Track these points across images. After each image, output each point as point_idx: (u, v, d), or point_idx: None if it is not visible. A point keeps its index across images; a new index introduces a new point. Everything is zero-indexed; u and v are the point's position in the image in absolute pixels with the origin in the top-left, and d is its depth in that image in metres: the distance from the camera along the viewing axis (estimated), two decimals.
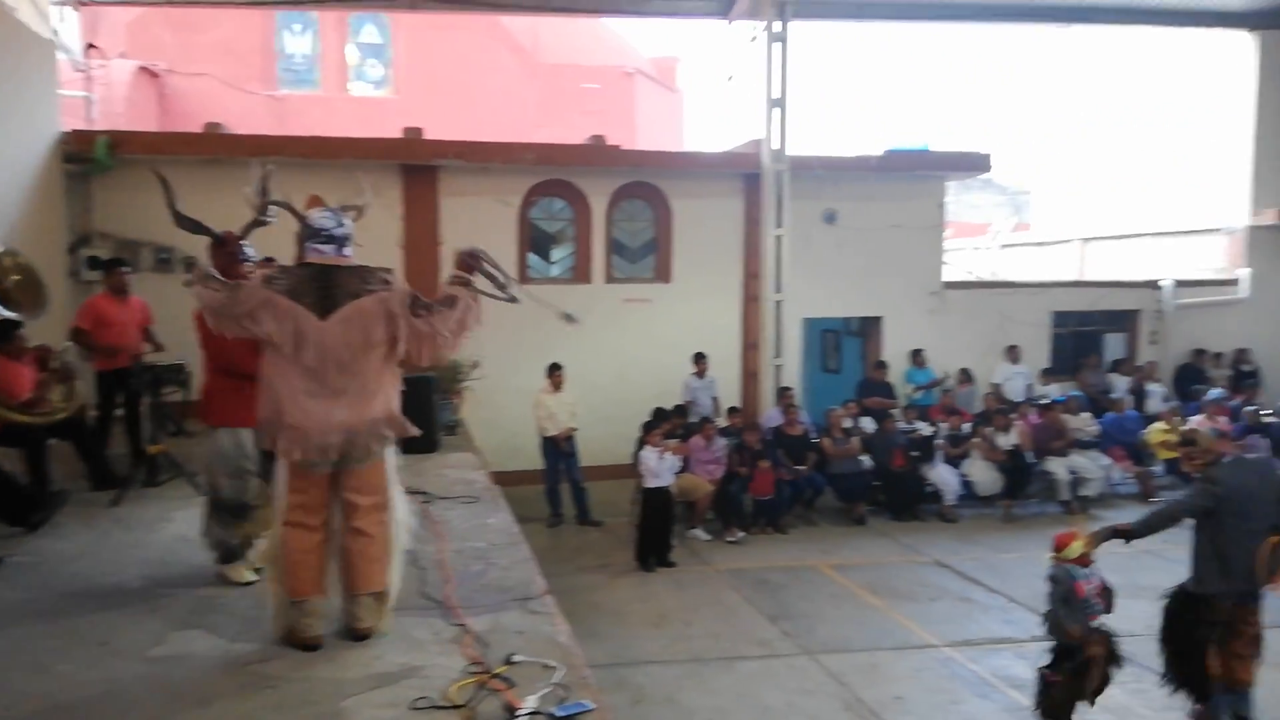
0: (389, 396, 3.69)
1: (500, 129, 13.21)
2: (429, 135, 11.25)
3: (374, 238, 8.70)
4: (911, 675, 6.03)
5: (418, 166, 10.92)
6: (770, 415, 10.96)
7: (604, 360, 11.44)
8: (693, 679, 5.98)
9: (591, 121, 14.21)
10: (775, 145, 11.34)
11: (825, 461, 10.10)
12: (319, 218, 3.70)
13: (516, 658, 3.45)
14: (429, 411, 6.91)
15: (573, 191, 11.70)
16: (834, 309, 12.64)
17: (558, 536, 9.41)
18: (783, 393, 10.99)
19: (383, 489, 3.71)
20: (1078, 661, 5.22)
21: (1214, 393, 11.92)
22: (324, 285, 3.58)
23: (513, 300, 3.80)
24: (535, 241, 11.88)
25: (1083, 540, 5.26)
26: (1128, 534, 5.15)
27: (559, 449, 9.73)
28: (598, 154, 11.71)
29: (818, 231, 12.09)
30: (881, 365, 11.96)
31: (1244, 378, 12.82)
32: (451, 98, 15.34)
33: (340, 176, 10.63)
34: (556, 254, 12.06)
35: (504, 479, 8.31)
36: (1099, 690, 5.26)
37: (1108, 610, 5.29)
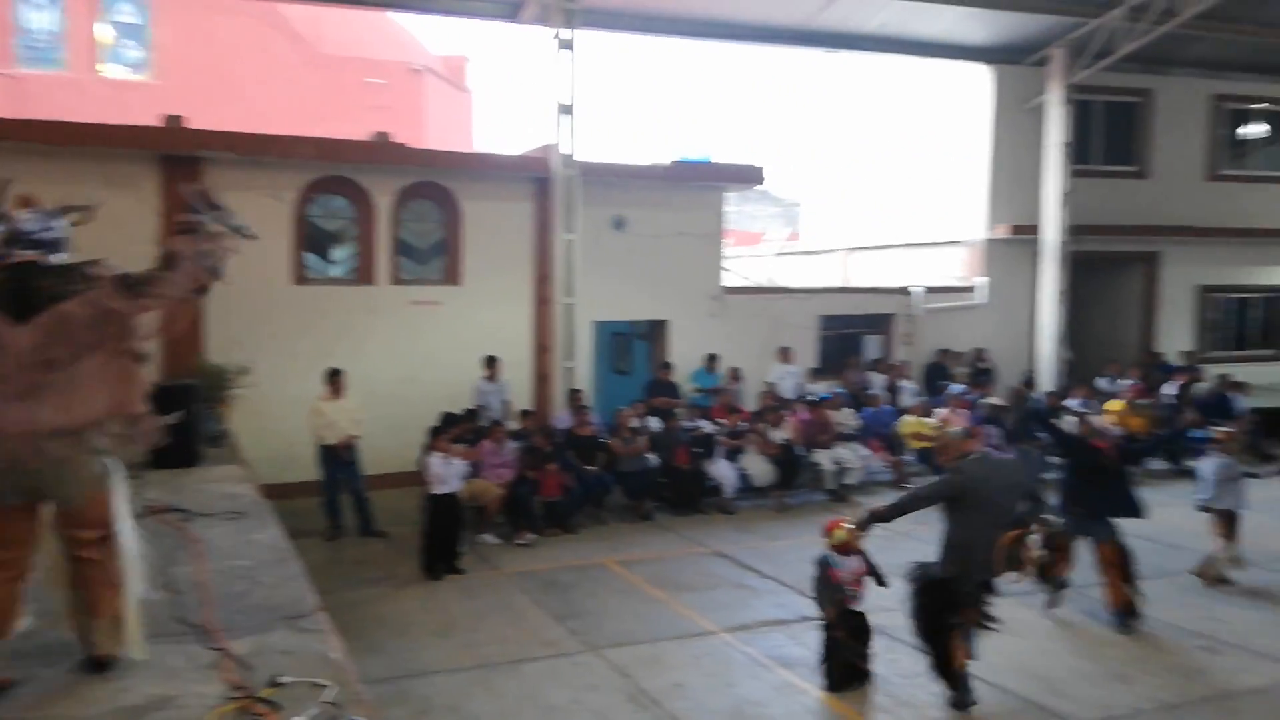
0: (116, 393, 3.37)
1: (275, 121, 12.54)
2: (193, 124, 10.49)
3: (126, 235, 8.08)
4: (691, 662, 6.31)
5: (179, 157, 10.15)
6: (561, 417, 11.09)
7: (390, 364, 11.14)
8: (479, 685, 5.95)
9: (376, 117, 13.79)
10: (566, 151, 11.48)
11: (614, 460, 10.35)
12: (23, 220, 3.36)
13: (283, 679, 3.31)
14: (190, 421, 6.44)
15: (355, 189, 11.29)
16: (623, 312, 12.97)
17: (338, 550, 9.05)
18: (574, 394, 11.16)
19: (105, 523, 3.41)
20: (829, 639, 5.72)
21: (956, 388, 13.26)
22: (20, 289, 3.24)
23: (248, 236, 3.62)
24: (313, 240, 11.36)
25: (845, 529, 5.74)
26: (880, 517, 5.65)
27: (338, 458, 9.35)
28: (383, 151, 11.37)
29: (607, 237, 12.36)
30: (667, 366, 12.40)
31: (981, 374, 14.34)
32: (220, 85, 14.38)
33: (89, 166, 9.73)
34: (337, 254, 11.60)
35: (278, 491, 7.92)
36: (844, 669, 5.74)
37: (881, 584, 5.81)
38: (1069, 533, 6.74)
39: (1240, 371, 15.10)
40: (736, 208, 26.95)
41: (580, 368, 11.89)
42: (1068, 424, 8.75)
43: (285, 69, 15.39)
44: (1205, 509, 8.14)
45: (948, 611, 5.48)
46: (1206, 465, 8.20)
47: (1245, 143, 16.64)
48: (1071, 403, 12.95)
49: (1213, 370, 14.96)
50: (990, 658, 5.75)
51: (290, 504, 9.02)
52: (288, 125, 12.36)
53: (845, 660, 5.71)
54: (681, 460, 10.62)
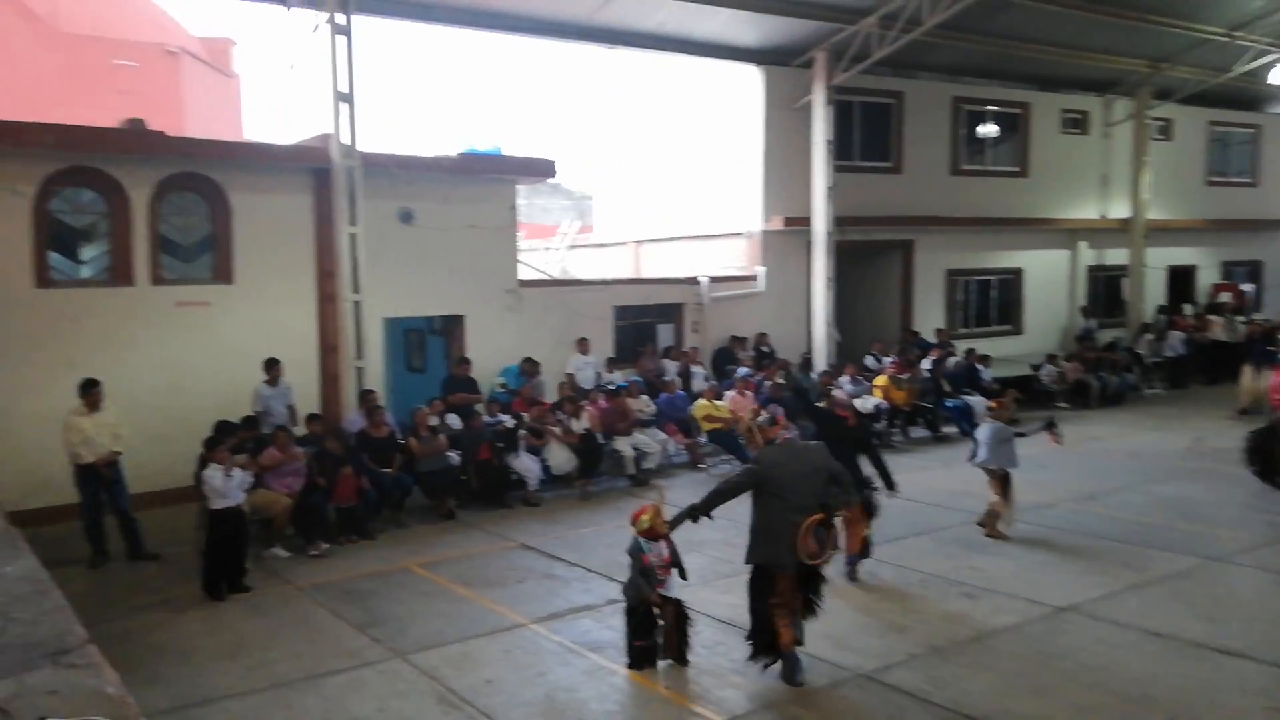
0: None
1: (8, 106, 11.15)
2: None
3: None
4: (501, 657, 6.27)
5: None
6: (353, 419, 10.64)
7: (154, 372, 10.27)
8: (276, 706, 5.62)
9: (126, 102, 12.58)
10: (345, 140, 10.99)
11: (413, 461, 10.06)
12: None
13: None
14: None
15: (106, 181, 10.27)
16: (416, 308, 12.63)
17: (105, 577, 8.23)
18: (365, 395, 10.73)
19: None
20: (653, 624, 5.86)
21: (742, 371, 13.97)
22: None
23: None
24: (58, 238, 10.23)
25: (650, 514, 5.88)
26: (698, 510, 5.85)
27: (99, 477, 8.48)
28: (137, 140, 10.40)
29: (396, 231, 11.98)
30: (464, 361, 12.20)
31: (764, 358, 15.19)
32: None
33: None
34: (87, 252, 10.51)
35: (28, 518, 7.11)
36: (680, 648, 5.92)
37: (683, 577, 5.99)
38: (861, 504, 7.17)
39: (983, 345, 16.89)
40: (529, 200, 26.92)
41: (372, 367, 11.46)
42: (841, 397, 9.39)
43: (17, 49, 13.69)
44: (983, 469, 8.86)
45: (767, 594, 5.68)
46: (982, 430, 9.00)
47: (982, 141, 18.58)
48: (842, 380, 13.99)
49: (961, 345, 16.64)
50: None
51: (45, 531, 8.12)
52: (23, 111, 11.01)
53: (649, 641, 5.87)
54: (484, 456, 10.50)
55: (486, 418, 11.04)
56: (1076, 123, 19.59)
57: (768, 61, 15.59)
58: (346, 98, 11.01)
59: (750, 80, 15.79)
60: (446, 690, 5.79)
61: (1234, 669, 5.79)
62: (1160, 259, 20.52)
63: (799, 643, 5.76)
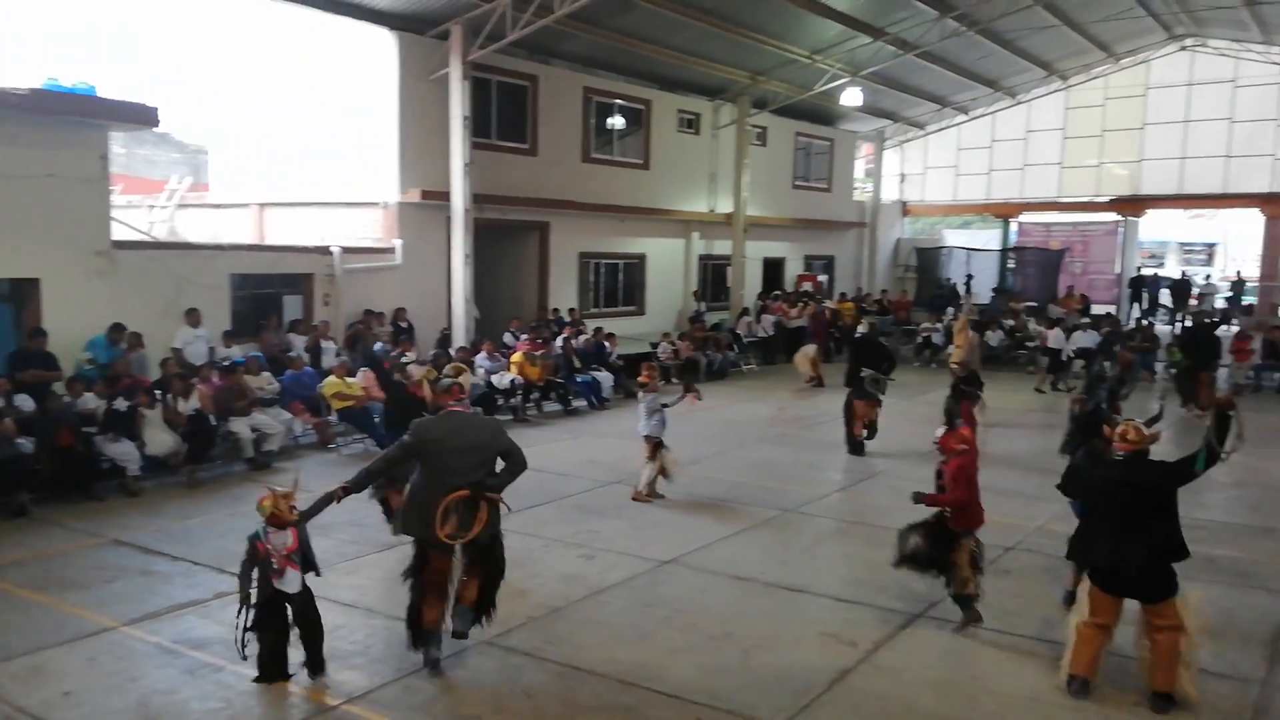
0: None
1: None
2: None
3: None
4: (84, 665, 5.57)
5: None
6: None
7: None
8: None
9: None
10: None
11: None
12: None
13: None
14: None
15: None
16: None
17: None
18: None
19: None
20: (281, 621, 5.43)
21: (379, 346, 13.60)
22: None
23: None
24: None
25: (272, 500, 5.42)
26: (353, 487, 5.56)
27: None
28: None
29: None
30: (40, 334, 10.51)
31: (402, 332, 14.92)
32: None
33: None
34: None
35: None
36: (311, 655, 5.55)
37: (309, 568, 5.49)
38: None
39: (611, 324, 18.05)
40: (129, 150, 23.72)
41: None
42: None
43: None
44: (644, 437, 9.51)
45: (419, 570, 5.52)
46: (641, 403, 9.59)
47: (610, 132, 19.73)
48: (479, 357, 14.21)
49: (592, 324, 17.63)
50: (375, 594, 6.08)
51: None
52: None
53: (274, 642, 5.48)
54: (65, 442, 9.16)
55: (68, 398, 9.64)
56: (690, 123, 21.54)
57: (403, 28, 15.20)
58: None
59: (385, 46, 15.27)
60: (14, 709, 5.02)
61: (798, 603, 6.84)
62: (757, 251, 23.33)
63: (463, 634, 5.62)
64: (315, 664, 5.48)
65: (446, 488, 5.31)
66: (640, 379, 9.90)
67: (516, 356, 14.39)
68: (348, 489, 5.50)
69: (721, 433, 13.12)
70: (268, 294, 14.17)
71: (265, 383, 11.49)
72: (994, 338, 20.34)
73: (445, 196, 15.39)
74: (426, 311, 15.74)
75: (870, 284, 27.44)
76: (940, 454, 6.31)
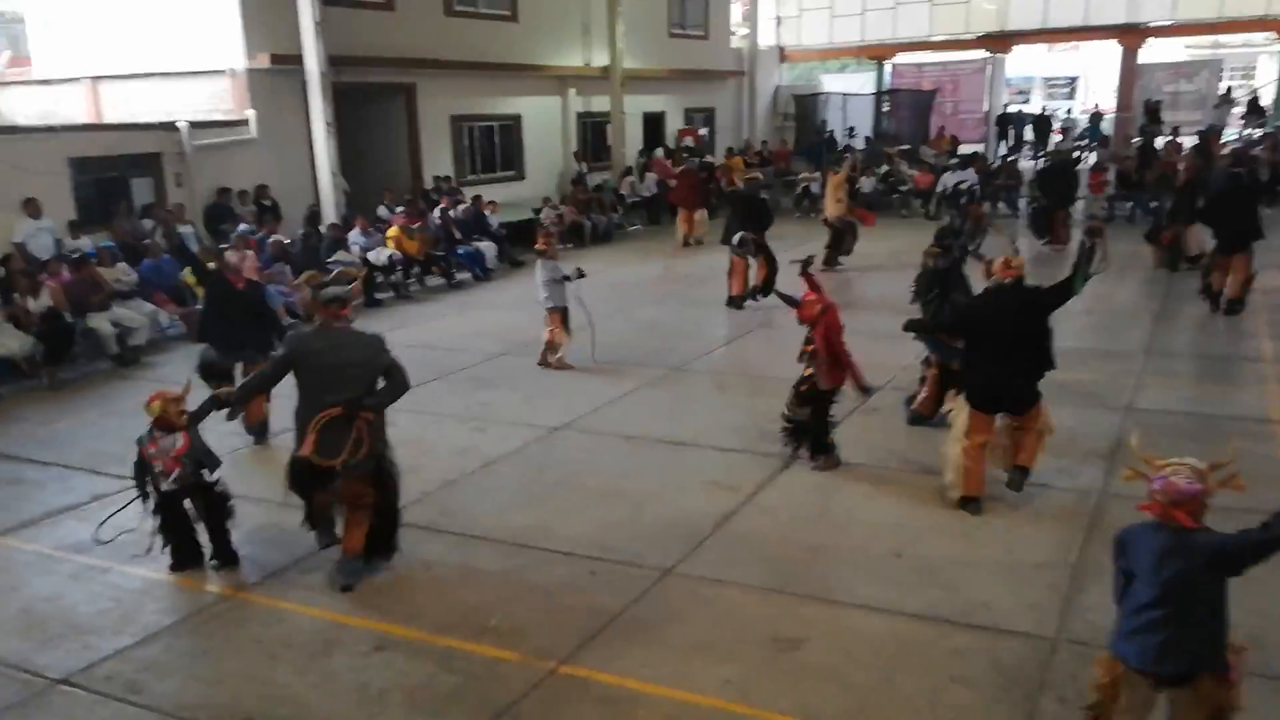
0: None
1: None
2: None
3: None
4: None
5: None
6: None
7: None
8: None
9: None
10: None
11: None
12: None
13: None
14: None
15: None
16: None
17: None
18: None
19: None
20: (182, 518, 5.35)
21: (243, 228, 12.93)
22: None
23: None
24: None
25: (161, 401, 5.24)
26: (229, 402, 5.37)
27: None
28: None
29: None
30: None
31: (266, 211, 14.17)
32: None
33: None
34: None
35: None
36: (219, 546, 5.47)
37: (200, 469, 5.34)
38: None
39: (490, 191, 17.59)
40: None
41: None
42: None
43: None
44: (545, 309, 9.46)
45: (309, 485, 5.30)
46: (537, 272, 9.46)
47: None
48: (353, 234, 13.70)
49: (470, 192, 17.12)
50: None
51: None
52: None
53: (182, 538, 5.44)
54: None
55: None
56: None
57: None
58: None
59: None
60: None
61: (685, 455, 7.13)
62: (636, 106, 22.78)
63: (349, 588, 5.27)
64: (222, 556, 5.49)
65: (323, 407, 4.99)
66: (537, 246, 9.71)
67: (393, 231, 13.92)
68: (230, 403, 5.41)
69: (608, 296, 13.09)
70: (113, 178, 13.14)
71: (121, 274, 10.83)
72: (868, 184, 20.74)
73: (298, 60, 14.31)
74: (290, 188, 14.94)
75: (752, 135, 27.35)
76: (804, 325, 6.50)
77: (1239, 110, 25.89)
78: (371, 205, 15.50)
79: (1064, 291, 5.76)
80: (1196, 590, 3.17)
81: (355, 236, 13.61)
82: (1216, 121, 23.61)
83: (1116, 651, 3.38)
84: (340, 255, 12.98)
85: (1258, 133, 23.93)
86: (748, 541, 5.71)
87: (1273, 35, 24.40)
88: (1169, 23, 24.50)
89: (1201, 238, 12.50)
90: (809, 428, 6.66)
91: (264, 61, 14.33)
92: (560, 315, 9.49)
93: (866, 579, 5.18)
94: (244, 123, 14.45)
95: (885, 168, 21.78)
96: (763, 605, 4.96)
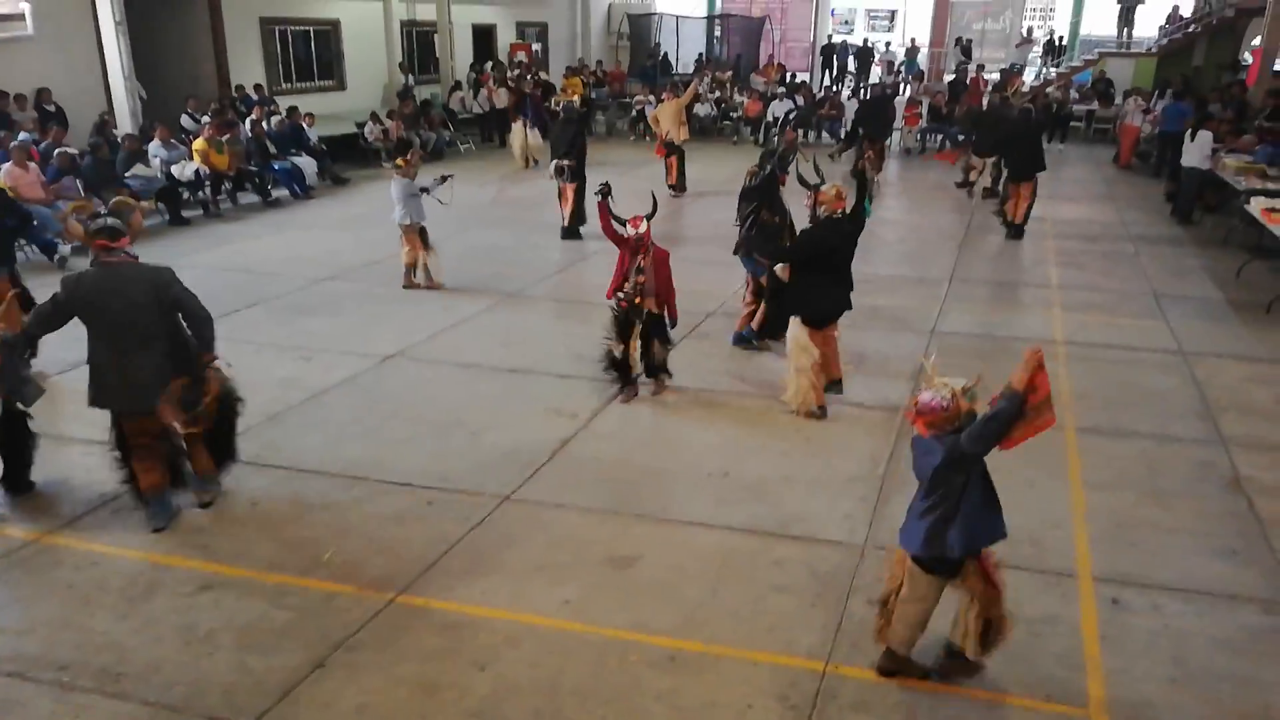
0: None
1: None
2: None
3: None
4: None
5: None
6: None
7: None
8: None
9: None
10: None
11: None
12: None
13: None
14: None
15: None
16: None
17: None
18: None
19: None
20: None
21: (23, 136, 11.61)
22: None
23: None
24: None
25: None
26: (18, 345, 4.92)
27: None
28: None
29: None
30: None
31: (49, 118, 12.74)
32: None
33: None
34: None
35: None
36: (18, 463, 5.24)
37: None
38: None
39: (308, 101, 16.52)
40: None
41: None
42: None
43: None
44: (400, 226, 9.24)
45: (120, 440, 5.01)
46: (393, 188, 9.12)
47: None
48: (153, 145, 12.59)
49: (285, 103, 16.00)
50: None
51: None
52: None
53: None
54: None
55: None
56: None
57: None
58: None
59: None
60: None
61: (522, 383, 7.14)
62: (465, 16, 21.85)
63: (208, 504, 5.22)
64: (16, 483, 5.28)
65: (115, 350, 4.74)
66: (398, 162, 9.39)
67: (199, 144, 12.86)
68: (17, 345, 4.96)
69: (441, 218, 12.66)
70: None
71: None
72: (701, 109, 20.94)
73: None
74: (78, 92, 13.48)
75: (586, 54, 26.86)
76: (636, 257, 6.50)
77: (1038, 50, 27.76)
78: (174, 114, 14.24)
79: (861, 219, 6.51)
80: (950, 483, 3.60)
81: (155, 148, 12.50)
82: (1018, 60, 25.23)
83: (900, 542, 3.83)
84: (139, 169, 11.97)
85: (1053, 72, 25.85)
86: (585, 466, 5.84)
87: None
88: None
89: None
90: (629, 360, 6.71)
91: None
92: (418, 232, 9.29)
93: (697, 498, 5.44)
94: (19, 17, 12.81)
95: (717, 93, 22.04)
96: (600, 527, 5.12)
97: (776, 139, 12.76)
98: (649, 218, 6.58)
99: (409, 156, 9.45)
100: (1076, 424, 6.42)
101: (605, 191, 6.68)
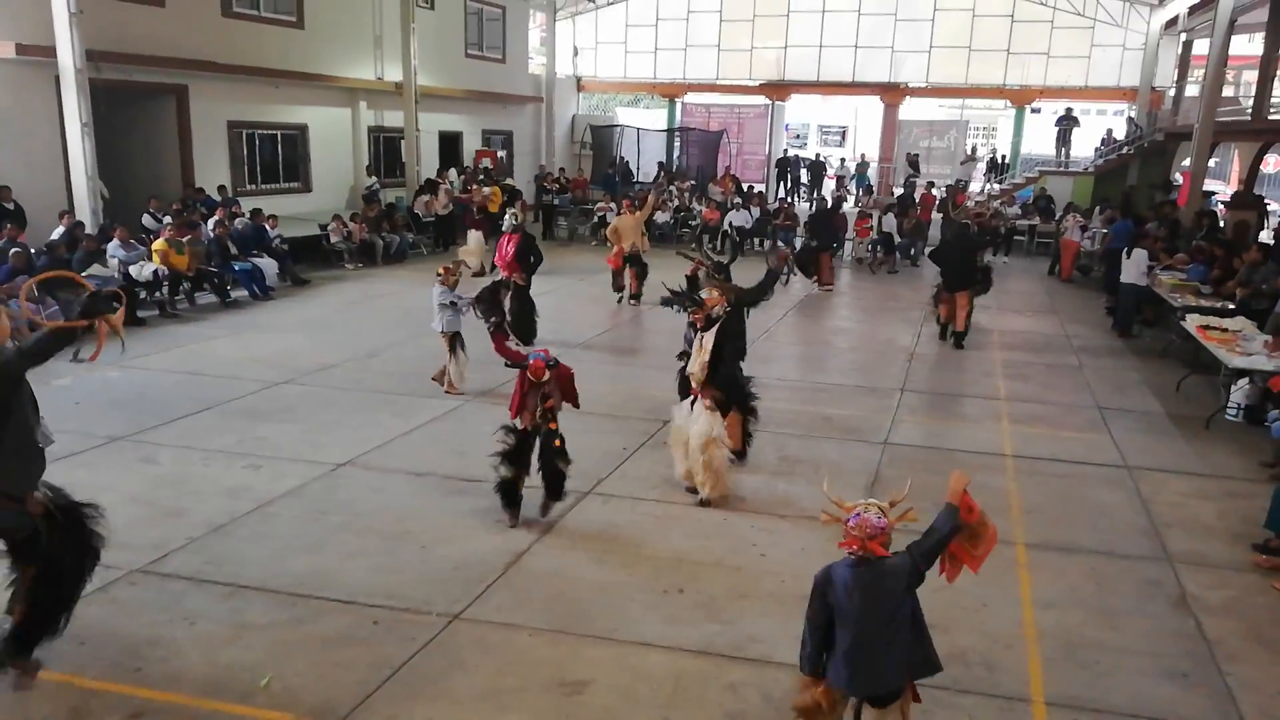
0: None
1: None
2: None
3: None
4: None
5: None
6: None
7: None
8: None
9: None
10: None
11: None
12: None
13: None
14: None
15: None
16: None
17: None
18: None
19: None
20: None
21: None
22: None
23: None
24: None
25: None
26: None
27: None
28: None
29: None
30: None
31: (8, 216, 12.67)
32: None
33: None
34: None
35: None
36: None
37: None
38: None
39: (272, 203, 16.67)
40: None
41: None
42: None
43: None
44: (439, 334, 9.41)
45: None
46: (434, 295, 9.38)
47: None
48: (112, 245, 12.58)
49: (249, 204, 16.14)
50: None
51: None
52: None
53: None
54: None
55: None
56: None
57: None
58: None
59: None
60: None
61: (475, 493, 7.00)
62: (431, 124, 22.40)
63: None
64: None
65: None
66: (439, 271, 9.55)
67: (159, 244, 12.88)
68: None
69: (400, 322, 12.78)
70: None
71: None
72: (661, 217, 21.48)
73: (50, 52, 12.99)
74: (39, 190, 13.50)
75: (549, 161, 27.57)
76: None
77: (982, 166, 29.05)
78: (135, 214, 14.27)
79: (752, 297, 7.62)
80: (899, 610, 3.61)
81: (114, 248, 12.49)
82: (963, 176, 26.38)
83: (829, 677, 3.75)
84: (96, 269, 11.89)
85: (997, 187, 27.04)
86: (537, 581, 5.74)
87: (1008, 102, 27.72)
88: (924, 84, 27.25)
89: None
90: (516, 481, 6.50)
91: (8, 51, 12.93)
92: (451, 339, 9.42)
93: (650, 616, 5.35)
94: None
95: (676, 203, 22.67)
96: (550, 648, 5.01)
97: (731, 250, 13.14)
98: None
99: (452, 266, 9.68)
100: (1025, 539, 6.48)
101: (498, 323, 7.01)
